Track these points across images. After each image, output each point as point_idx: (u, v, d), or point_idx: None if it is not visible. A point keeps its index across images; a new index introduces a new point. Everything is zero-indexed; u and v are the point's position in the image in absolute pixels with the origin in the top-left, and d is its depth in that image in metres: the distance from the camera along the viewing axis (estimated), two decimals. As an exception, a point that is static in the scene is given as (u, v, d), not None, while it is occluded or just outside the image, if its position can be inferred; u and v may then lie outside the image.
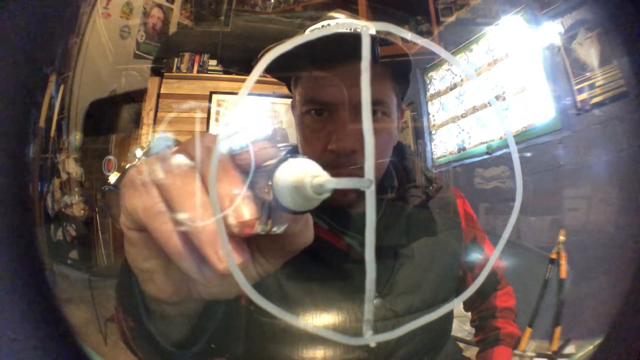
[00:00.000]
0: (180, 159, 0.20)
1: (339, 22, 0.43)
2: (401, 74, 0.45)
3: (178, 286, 0.24)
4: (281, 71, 0.43)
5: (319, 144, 0.42)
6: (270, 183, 0.18)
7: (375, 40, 0.38)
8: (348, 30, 0.34)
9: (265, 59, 0.15)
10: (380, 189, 0.47)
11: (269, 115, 0.64)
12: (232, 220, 0.18)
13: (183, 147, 0.21)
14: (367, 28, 0.15)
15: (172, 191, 0.20)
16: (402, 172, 0.49)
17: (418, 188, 0.48)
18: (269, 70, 0.49)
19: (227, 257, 0.18)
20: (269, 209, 0.20)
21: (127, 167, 0.54)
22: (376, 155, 0.15)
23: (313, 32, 0.17)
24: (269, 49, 0.15)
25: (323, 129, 0.42)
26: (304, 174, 0.17)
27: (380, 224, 0.46)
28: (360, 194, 0.15)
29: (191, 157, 0.21)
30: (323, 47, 0.21)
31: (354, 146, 0.40)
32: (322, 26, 0.43)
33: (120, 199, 0.22)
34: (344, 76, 0.40)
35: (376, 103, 0.42)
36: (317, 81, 0.42)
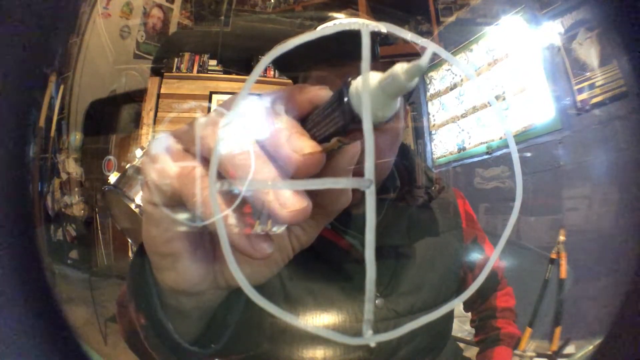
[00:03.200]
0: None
1: (352, 21, 0.43)
2: None
3: (203, 272, 0.22)
4: (295, 69, 0.42)
5: None
6: (346, 99, 0.17)
7: (376, 39, 0.38)
8: (359, 28, 0.33)
9: (271, 53, 0.15)
10: (383, 189, 0.47)
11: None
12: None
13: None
14: (368, 27, 0.15)
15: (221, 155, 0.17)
16: (404, 172, 0.50)
17: (420, 188, 0.48)
18: (282, 68, 0.49)
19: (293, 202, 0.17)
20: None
21: (127, 167, 0.54)
22: (384, 155, 0.15)
23: (325, 29, 0.16)
24: (285, 42, 0.15)
25: None
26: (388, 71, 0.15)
27: (382, 224, 0.46)
28: (364, 194, 0.15)
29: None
30: (339, 43, 0.19)
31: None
32: (334, 24, 0.43)
33: (143, 172, 0.20)
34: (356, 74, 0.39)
35: None
36: (325, 80, 0.42)
